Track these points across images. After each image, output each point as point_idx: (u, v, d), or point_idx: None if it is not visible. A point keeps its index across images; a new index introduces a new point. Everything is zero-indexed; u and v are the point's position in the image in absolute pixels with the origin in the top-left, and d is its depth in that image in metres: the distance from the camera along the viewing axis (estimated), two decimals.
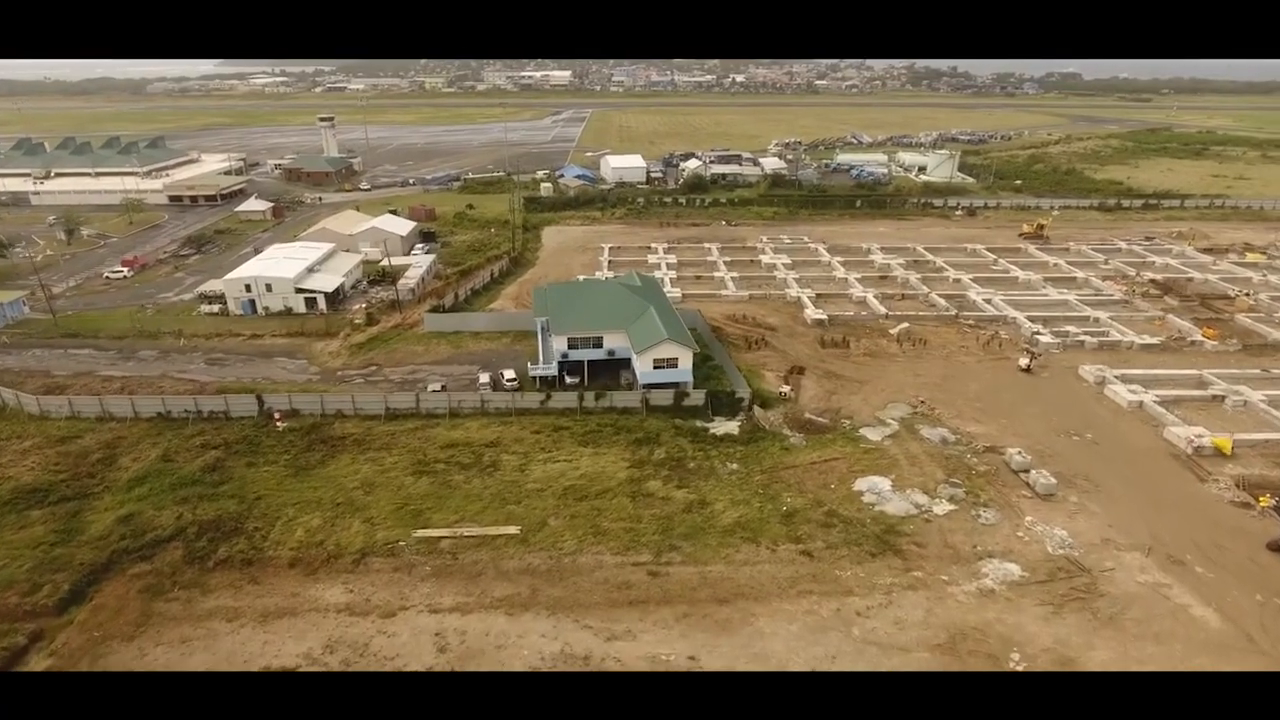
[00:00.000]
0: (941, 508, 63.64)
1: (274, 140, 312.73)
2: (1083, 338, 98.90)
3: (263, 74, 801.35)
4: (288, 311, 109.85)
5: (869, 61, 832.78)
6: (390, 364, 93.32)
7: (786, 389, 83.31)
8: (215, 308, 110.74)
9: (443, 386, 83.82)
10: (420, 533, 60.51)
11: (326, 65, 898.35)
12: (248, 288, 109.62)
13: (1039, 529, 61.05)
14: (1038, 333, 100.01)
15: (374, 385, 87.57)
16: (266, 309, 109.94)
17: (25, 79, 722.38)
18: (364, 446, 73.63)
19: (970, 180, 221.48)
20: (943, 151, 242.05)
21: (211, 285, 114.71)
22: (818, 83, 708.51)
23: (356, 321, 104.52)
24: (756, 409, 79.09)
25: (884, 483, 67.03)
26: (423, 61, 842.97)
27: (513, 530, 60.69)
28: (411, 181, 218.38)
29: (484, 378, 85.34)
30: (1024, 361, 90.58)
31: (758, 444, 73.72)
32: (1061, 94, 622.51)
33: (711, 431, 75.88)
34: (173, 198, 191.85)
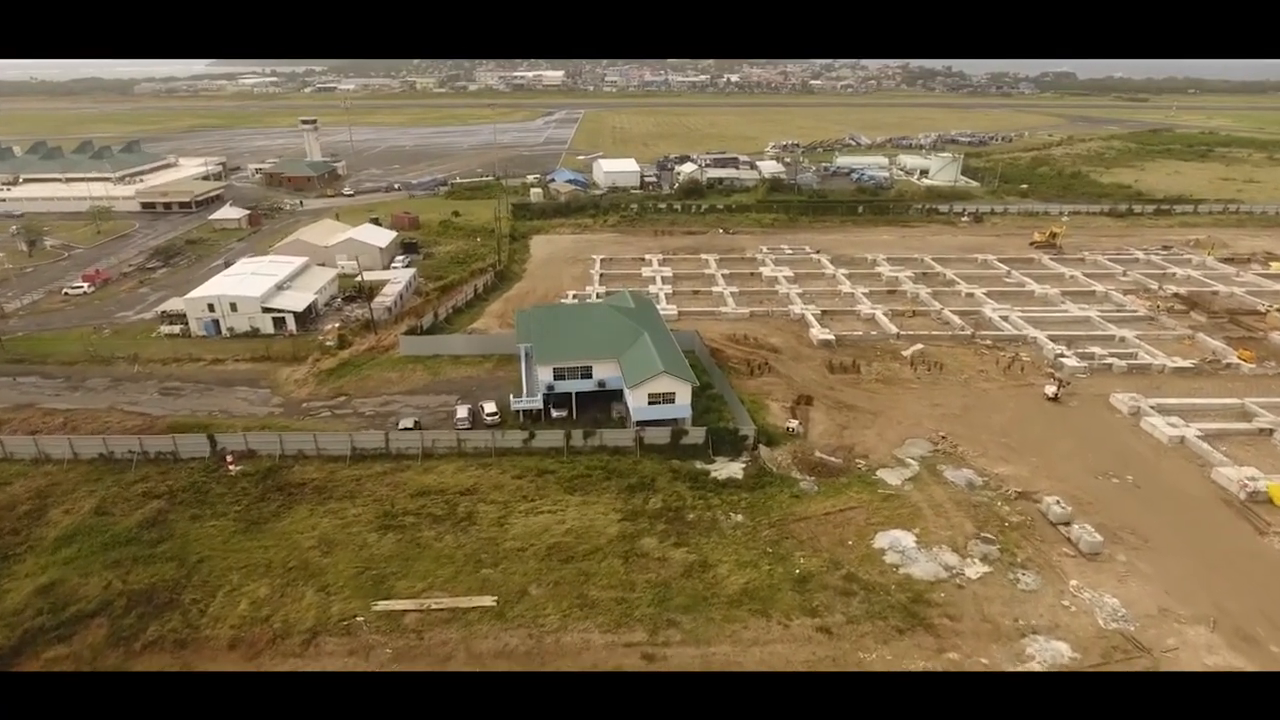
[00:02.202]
0: (974, 570, 56.31)
1: (259, 143, 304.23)
2: (1110, 360, 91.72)
3: (252, 74, 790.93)
4: (254, 333, 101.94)
5: (863, 61, 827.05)
6: (361, 394, 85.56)
7: (794, 424, 75.87)
8: (176, 328, 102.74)
9: (416, 423, 76.09)
10: (382, 605, 52.90)
11: (317, 65, 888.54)
12: (210, 307, 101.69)
13: (1086, 596, 53.76)
14: (1061, 355, 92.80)
15: (341, 419, 79.79)
16: (231, 330, 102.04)
17: (10, 79, 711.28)
18: (325, 495, 65.91)
19: (974, 184, 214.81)
20: (945, 154, 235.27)
21: (174, 304, 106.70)
22: (812, 82, 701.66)
23: (327, 344, 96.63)
24: (762, 448, 71.68)
25: (907, 538, 59.65)
26: (414, 61, 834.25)
27: (488, 601, 53.13)
28: (397, 186, 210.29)
29: (462, 411, 77.59)
30: (1051, 390, 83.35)
31: (764, 490, 66.27)
32: (1058, 94, 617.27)
33: (713, 475, 68.39)
34: (145, 205, 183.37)
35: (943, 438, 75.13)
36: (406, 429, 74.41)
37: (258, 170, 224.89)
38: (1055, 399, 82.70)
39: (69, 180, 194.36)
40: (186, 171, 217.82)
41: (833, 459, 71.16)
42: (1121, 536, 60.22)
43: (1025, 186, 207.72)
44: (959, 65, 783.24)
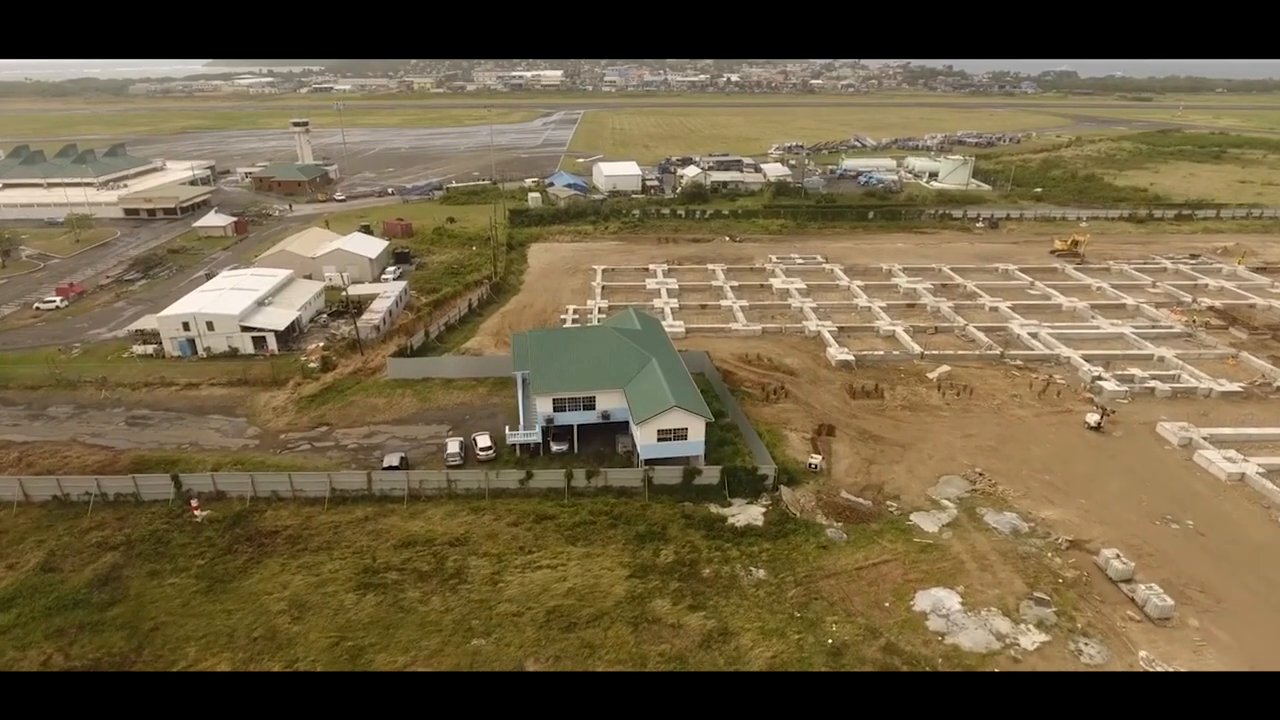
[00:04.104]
0: (1029, 639, 49.75)
1: (251, 145, 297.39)
2: (1152, 383, 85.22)
3: (249, 74, 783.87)
4: (233, 353, 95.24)
5: (864, 61, 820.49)
6: (344, 423, 78.89)
7: (817, 459, 69.24)
8: (149, 348, 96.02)
9: (402, 459, 69.42)
10: None
11: (314, 65, 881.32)
12: (186, 326, 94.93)
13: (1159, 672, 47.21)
14: (1099, 377, 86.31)
15: (321, 454, 73.10)
16: (208, 350, 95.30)
17: (4, 80, 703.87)
18: (299, 545, 59.25)
19: (986, 187, 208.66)
20: (956, 157, 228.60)
21: (147, 322, 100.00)
22: (813, 82, 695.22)
23: (310, 366, 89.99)
24: (783, 489, 65.09)
25: (951, 599, 53.11)
26: (412, 61, 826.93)
27: None
28: (390, 191, 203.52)
29: (453, 445, 70.87)
30: (1093, 418, 76.81)
31: (788, 539, 59.63)
32: (1061, 93, 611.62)
33: (730, 522, 61.73)
34: (129, 211, 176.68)
35: (979, 474, 68.60)
36: (391, 467, 67.76)
37: (247, 174, 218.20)
38: (1098, 428, 76.19)
39: (50, 186, 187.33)
40: (173, 176, 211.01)
41: (861, 501, 64.59)
42: (1191, 596, 53.68)
43: (1039, 190, 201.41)
44: (960, 65, 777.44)
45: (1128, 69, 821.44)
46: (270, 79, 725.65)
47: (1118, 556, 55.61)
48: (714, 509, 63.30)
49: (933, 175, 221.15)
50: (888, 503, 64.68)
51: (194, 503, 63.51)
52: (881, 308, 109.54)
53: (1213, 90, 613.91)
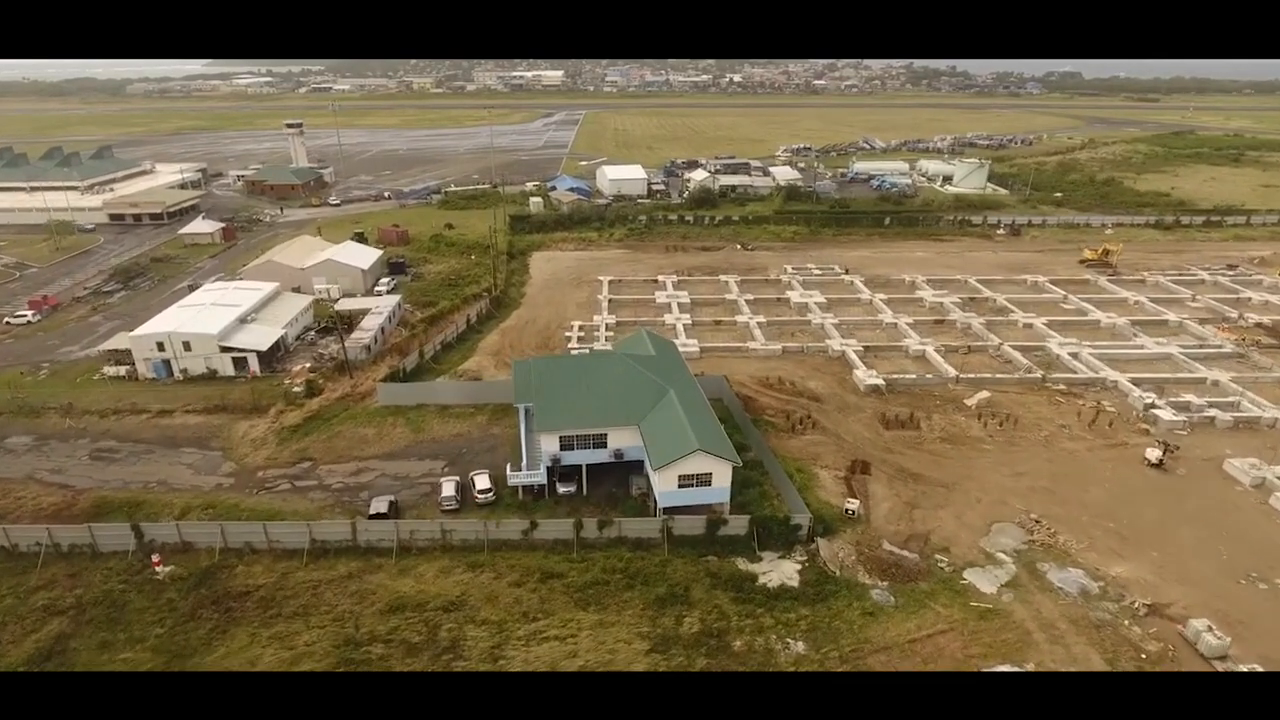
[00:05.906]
0: None
1: (246, 146, 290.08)
2: (1212, 412, 78.21)
3: (248, 74, 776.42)
4: (211, 374, 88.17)
5: (867, 61, 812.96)
6: (329, 458, 71.76)
7: (854, 504, 62.09)
8: (122, 370, 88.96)
9: (392, 504, 62.20)
10: None
11: (314, 65, 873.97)
12: (161, 346, 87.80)
13: None
14: (1152, 405, 79.28)
15: (302, 494, 65.96)
16: (184, 371, 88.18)
17: (1, 80, 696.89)
18: (272, 610, 52.14)
19: (1003, 192, 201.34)
20: (971, 160, 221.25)
21: (121, 340, 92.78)
22: (816, 82, 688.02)
23: (295, 390, 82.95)
24: (819, 541, 57.96)
25: None
26: (411, 61, 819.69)
27: None
28: (387, 194, 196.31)
29: (449, 488, 63.74)
30: (1154, 454, 69.78)
31: (827, 603, 52.52)
32: (1066, 94, 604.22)
33: (761, 581, 54.54)
34: (114, 216, 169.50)
35: (1036, 521, 61.49)
36: (379, 515, 60.56)
37: (239, 177, 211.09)
38: (1160, 465, 69.15)
39: (32, 190, 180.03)
40: (162, 179, 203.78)
41: (907, 553, 57.49)
42: None
43: (1059, 195, 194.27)
44: (963, 65, 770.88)
45: (1132, 69, 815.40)
46: (269, 79, 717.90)
47: (1210, 629, 48.52)
48: (742, 565, 56.14)
49: (947, 179, 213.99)
50: (936, 556, 57.56)
51: (156, 557, 56.38)
52: (908, 324, 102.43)
53: (1221, 91, 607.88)
